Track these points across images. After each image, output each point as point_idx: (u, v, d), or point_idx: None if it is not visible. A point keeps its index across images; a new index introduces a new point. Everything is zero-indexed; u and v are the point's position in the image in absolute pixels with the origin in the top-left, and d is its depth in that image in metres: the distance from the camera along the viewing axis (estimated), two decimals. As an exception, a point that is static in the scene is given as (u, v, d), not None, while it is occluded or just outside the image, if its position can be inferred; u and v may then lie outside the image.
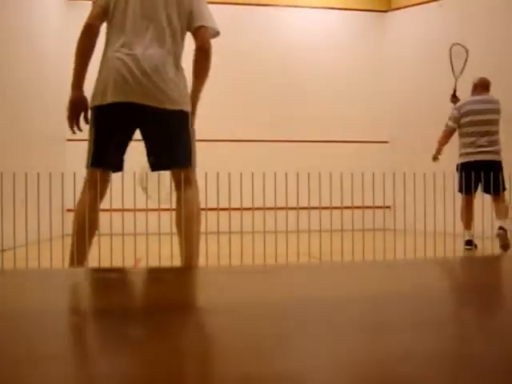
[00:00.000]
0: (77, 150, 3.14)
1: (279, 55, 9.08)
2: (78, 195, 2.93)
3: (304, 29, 9.31)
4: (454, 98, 5.87)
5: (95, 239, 2.93)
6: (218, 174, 3.28)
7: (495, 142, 5.52)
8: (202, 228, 3.11)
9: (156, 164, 3.02)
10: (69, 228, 2.96)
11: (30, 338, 0.73)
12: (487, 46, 7.60)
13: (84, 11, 3.18)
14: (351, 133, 9.18)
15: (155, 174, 3.28)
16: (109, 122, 2.90)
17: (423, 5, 8.97)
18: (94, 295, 1.20)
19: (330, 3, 9.46)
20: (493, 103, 5.60)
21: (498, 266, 1.75)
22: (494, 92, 5.74)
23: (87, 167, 2.94)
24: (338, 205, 3.59)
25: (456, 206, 4.28)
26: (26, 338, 0.73)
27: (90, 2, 3.00)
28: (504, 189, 5.30)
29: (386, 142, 9.33)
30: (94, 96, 2.92)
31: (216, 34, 3.10)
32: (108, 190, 2.98)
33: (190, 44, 3.07)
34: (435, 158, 5.79)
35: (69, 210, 3.41)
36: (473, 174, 5.05)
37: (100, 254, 3.10)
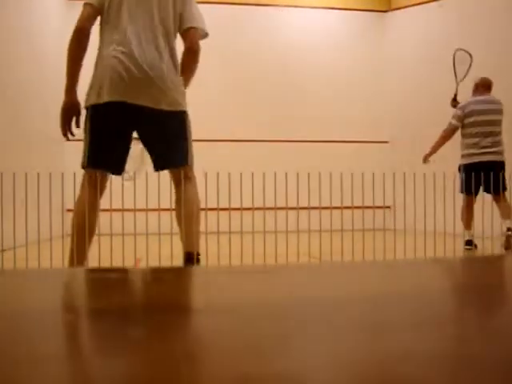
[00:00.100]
0: (77, 150, 3.13)
1: (279, 55, 9.07)
2: (78, 195, 2.93)
3: (304, 29, 9.30)
4: (455, 102, 5.85)
5: (95, 239, 2.93)
6: (218, 174, 3.28)
7: (499, 143, 5.52)
8: (202, 228, 3.11)
9: (156, 164, 3.03)
10: (69, 228, 2.96)
11: (30, 338, 0.73)
12: (487, 46, 7.60)
13: (84, 11, 3.17)
14: (351, 133, 9.18)
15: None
16: (104, 121, 2.89)
17: (423, 5, 8.96)
18: (93, 295, 1.20)
19: (330, 3, 9.46)
20: (495, 103, 5.60)
21: (498, 266, 1.75)
22: (495, 92, 5.73)
23: (82, 167, 2.93)
24: (338, 205, 3.59)
25: (456, 206, 4.28)
26: (25, 338, 0.73)
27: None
28: (505, 189, 5.29)
29: (386, 142, 9.33)
30: (89, 95, 2.90)
31: (205, 35, 3.10)
32: (107, 190, 2.98)
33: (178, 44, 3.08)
34: (426, 160, 5.75)
35: (69, 210, 3.41)
36: (476, 175, 5.03)
37: (100, 254, 3.10)
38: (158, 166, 3.03)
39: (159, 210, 3.31)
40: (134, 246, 3.32)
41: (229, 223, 3.53)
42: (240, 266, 2.60)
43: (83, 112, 2.94)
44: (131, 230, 3.33)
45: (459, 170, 5.52)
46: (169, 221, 3.14)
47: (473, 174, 5.02)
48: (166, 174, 3.07)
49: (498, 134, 5.54)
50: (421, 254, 3.58)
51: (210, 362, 0.61)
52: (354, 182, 3.77)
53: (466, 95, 5.82)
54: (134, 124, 2.92)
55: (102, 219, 2.99)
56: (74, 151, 3.77)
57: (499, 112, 5.58)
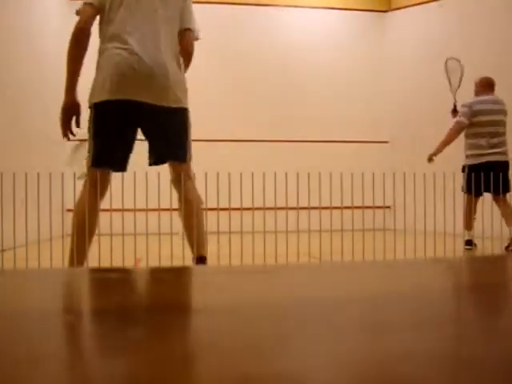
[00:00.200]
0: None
1: (279, 55, 9.07)
2: (78, 195, 2.93)
3: (304, 29, 9.31)
4: (455, 113, 5.80)
5: (95, 239, 2.93)
6: (218, 174, 3.28)
7: (503, 143, 5.53)
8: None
9: (156, 160, 3.03)
10: (69, 228, 2.96)
11: (30, 338, 0.73)
12: (487, 46, 7.60)
13: (84, 11, 3.17)
14: (351, 133, 9.18)
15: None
16: (108, 119, 2.89)
17: (423, 5, 8.96)
18: (93, 295, 1.20)
19: (330, 3, 9.46)
20: (499, 104, 5.59)
21: (498, 266, 1.75)
22: (495, 92, 5.73)
23: (88, 167, 2.94)
24: (338, 205, 3.59)
25: (456, 206, 4.28)
26: (25, 338, 0.73)
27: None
28: (508, 190, 5.25)
29: (386, 142, 9.32)
30: (92, 93, 2.91)
31: (197, 37, 3.14)
32: (108, 190, 2.98)
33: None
34: (430, 160, 5.70)
35: (69, 210, 3.41)
36: (482, 175, 4.99)
37: (100, 254, 3.10)
38: (157, 160, 3.04)
39: (159, 210, 3.31)
40: (134, 246, 3.32)
41: (229, 223, 3.53)
42: (240, 266, 2.60)
43: (83, 112, 2.94)
44: (131, 229, 3.33)
45: (463, 170, 5.50)
46: (169, 221, 3.14)
47: (480, 174, 4.96)
48: (166, 174, 3.08)
49: (503, 134, 5.55)
50: (421, 254, 3.58)
51: (209, 362, 0.61)
52: (353, 182, 3.78)
53: (464, 99, 5.80)
54: (137, 121, 2.93)
55: (102, 219, 2.99)
56: (74, 151, 3.75)
57: (503, 112, 5.58)
